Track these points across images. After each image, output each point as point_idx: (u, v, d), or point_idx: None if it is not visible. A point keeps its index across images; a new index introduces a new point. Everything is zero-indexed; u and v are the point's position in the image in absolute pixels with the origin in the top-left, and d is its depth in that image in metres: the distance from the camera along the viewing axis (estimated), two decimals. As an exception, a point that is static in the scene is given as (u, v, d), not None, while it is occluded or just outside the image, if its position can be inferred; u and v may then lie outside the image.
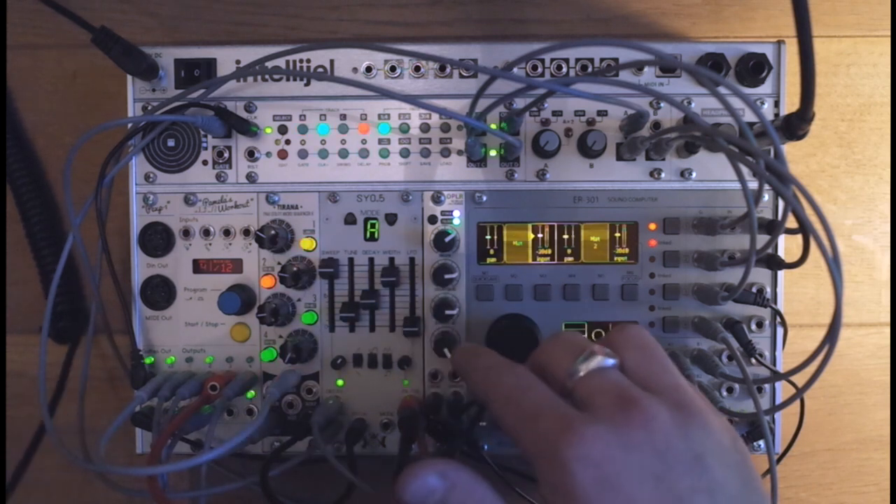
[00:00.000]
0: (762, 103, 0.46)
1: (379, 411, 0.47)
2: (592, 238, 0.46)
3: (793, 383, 0.44)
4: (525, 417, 0.30)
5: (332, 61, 0.46)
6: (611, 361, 0.31)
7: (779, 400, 0.46)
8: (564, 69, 0.46)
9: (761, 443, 0.46)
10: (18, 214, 0.50)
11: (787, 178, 0.33)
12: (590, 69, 0.46)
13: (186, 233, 0.46)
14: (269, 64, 0.45)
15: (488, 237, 0.46)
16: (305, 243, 0.46)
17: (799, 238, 0.38)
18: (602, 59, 0.46)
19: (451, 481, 0.30)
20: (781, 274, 0.46)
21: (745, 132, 0.36)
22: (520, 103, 0.46)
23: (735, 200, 0.46)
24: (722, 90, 0.39)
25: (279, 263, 0.46)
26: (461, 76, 0.46)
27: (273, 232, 0.44)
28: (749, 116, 0.45)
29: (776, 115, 0.46)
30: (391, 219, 0.46)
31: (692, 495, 0.27)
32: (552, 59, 0.46)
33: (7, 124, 0.50)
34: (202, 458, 0.37)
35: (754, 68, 0.44)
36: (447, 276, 0.45)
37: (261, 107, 0.46)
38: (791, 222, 0.35)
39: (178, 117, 0.45)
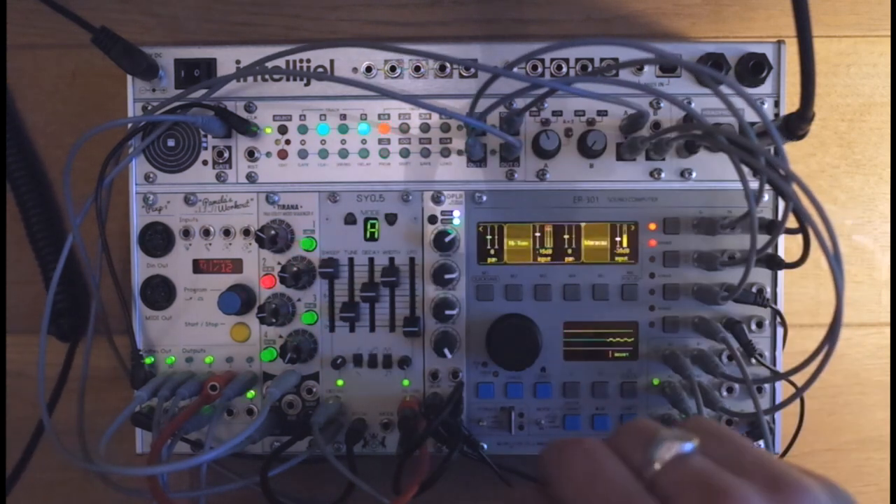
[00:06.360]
0: (762, 103, 0.46)
1: (379, 411, 0.47)
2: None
3: (793, 383, 0.44)
4: None
5: (332, 61, 0.46)
6: (689, 446, 0.26)
7: (779, 400, 0.46)
8: (564, 69, 0.46)
9: (761, 443, 0.45)
10: (19, 214, 0.50)
11: (789, 176, 0.33)
12: (590, 69, 0.46)
13: (186, 233, 0.46)
14: (270, 64, 0.45)
15: (488, 237, 0.46)
16: (305, 243, 0.46)
17: (799, 238, 0.38)
18: (602, 59, 0.46)
19: None
20: (781, 274, 0.46)
21: (746, 130, 0.36)
22: (519, 103, 0.46)
23: (735, 200, 0.46)
24: (723, 89, 0.39)
25: (279, 263, 0.46)
26: (461, 76, 0.46)
27: (273, 232, 0.44)
28: (750, 116, 0.45)
29: (776, 115, 0.46)
30: (391, 219, 0.46)
31: None
32: (552, 59, 0.46)
33: (7, 124, 0.50)
34: (202, 458, 0.37)
35: (754, 68, 0.44)
36: (447, 276, 0.45)
37: (261, 107, 0.46)
38: (791, 222, 0.35)
39: (178, 117, 0.45)
